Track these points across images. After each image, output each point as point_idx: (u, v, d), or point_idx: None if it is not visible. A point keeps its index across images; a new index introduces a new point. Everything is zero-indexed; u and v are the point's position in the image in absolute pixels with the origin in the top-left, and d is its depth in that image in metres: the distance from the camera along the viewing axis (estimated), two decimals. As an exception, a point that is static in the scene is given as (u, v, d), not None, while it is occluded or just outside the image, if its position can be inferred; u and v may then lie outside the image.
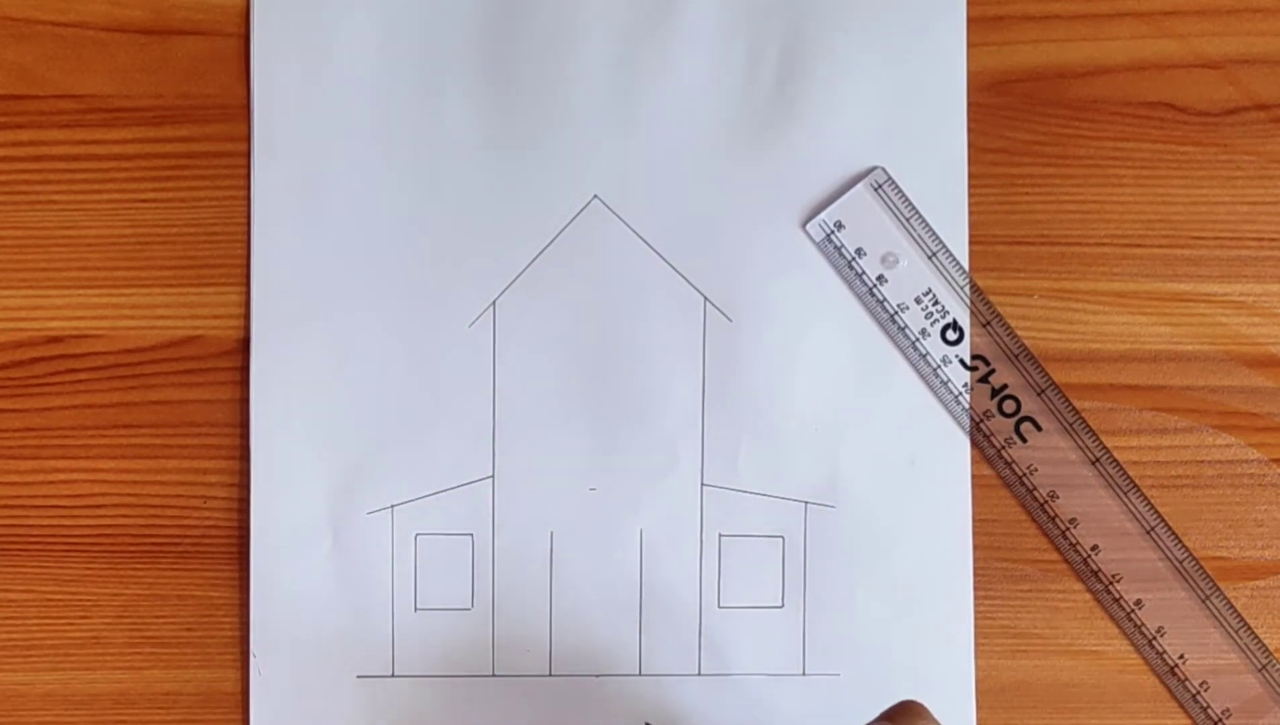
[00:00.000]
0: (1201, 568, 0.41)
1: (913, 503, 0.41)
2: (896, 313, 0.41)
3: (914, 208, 0.41)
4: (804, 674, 0.41)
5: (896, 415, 0.41)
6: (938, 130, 0.41)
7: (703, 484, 0.41)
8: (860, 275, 0.41)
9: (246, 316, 0.41)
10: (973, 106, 0.41)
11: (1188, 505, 0.42)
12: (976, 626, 0.41)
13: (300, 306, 0.41)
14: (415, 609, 0.41)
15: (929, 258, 0.41)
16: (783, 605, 0.42)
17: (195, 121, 0.42)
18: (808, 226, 0.41)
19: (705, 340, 0.41)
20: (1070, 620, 0.42)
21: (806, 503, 0.41)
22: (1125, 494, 0.41)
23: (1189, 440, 0.42)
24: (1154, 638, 0.41)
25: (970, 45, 0.41)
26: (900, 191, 0.41)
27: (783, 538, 0.42)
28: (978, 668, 0.41)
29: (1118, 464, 0.41)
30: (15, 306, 0.41)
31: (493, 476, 0.41)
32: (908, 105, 0.41)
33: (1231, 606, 0.41)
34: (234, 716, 0.42)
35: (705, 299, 0.41)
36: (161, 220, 0.42)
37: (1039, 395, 0.41)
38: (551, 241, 0.41)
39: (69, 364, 0.41)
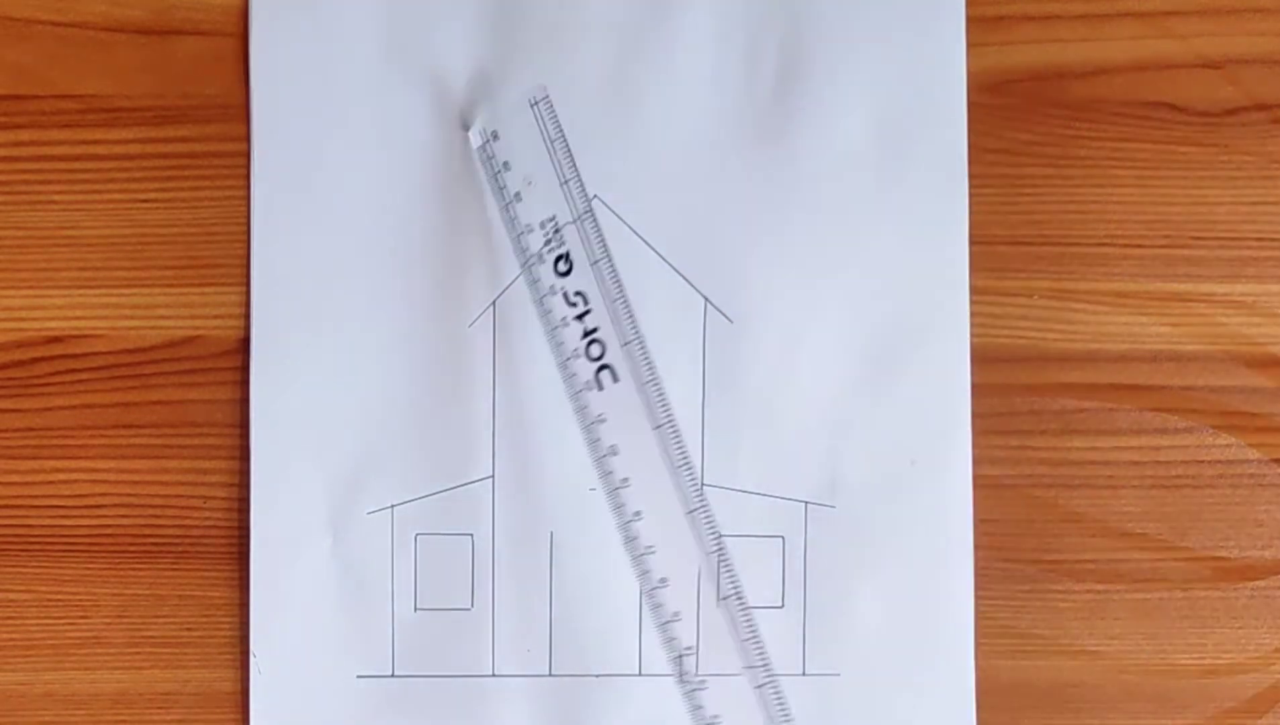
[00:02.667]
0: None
1: (913, 503, 0.41)
2: (522, 234, 0.40)
3: (561, 131, 0.40)
4: (804, 674, 0.41)
5: (896, 415, 0.41)
6: (938, 130, 0.41)
7: (703, 484, 0.41)
8: (502, 189, 0.41)
9: (246, 316, 0.41)
10: (973, 106, 0.41)
11: (1188, 505, 0.42)
12: (976, 627, 0.41)
13: (300, 306, 0.41)
14: (415, 609, 0.41)
15: (561, 185, 0.41)
16: (783, 605, 0.42)
17: (195, 121, 0.42)
18: (470, 131, 0.41)
19: (705, 340, 0.41)
20: (1070, 620, 0.42)
21: (806, 503, 0.41)
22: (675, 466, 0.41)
23: (1189, 440, 0.42)
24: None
25: (970, 45, 0.41)
26: (553, 114, 0.40)
27: (783, 538, 0.42)
28: (978, 668, 0.41)
29: (676, 430, 0.41)
30: (15, 306, 0.41)
31: (493, 476, 0.41)
32: (908, 105, 0.41)
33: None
34: (234, 716, 0.42)
35: (705, 299, 0.41)
36: (161, 220, 0.42)
37: (623, 346, 0.40)
38: (551, 241, 0.41)
39: (69, 364, 0.41)
